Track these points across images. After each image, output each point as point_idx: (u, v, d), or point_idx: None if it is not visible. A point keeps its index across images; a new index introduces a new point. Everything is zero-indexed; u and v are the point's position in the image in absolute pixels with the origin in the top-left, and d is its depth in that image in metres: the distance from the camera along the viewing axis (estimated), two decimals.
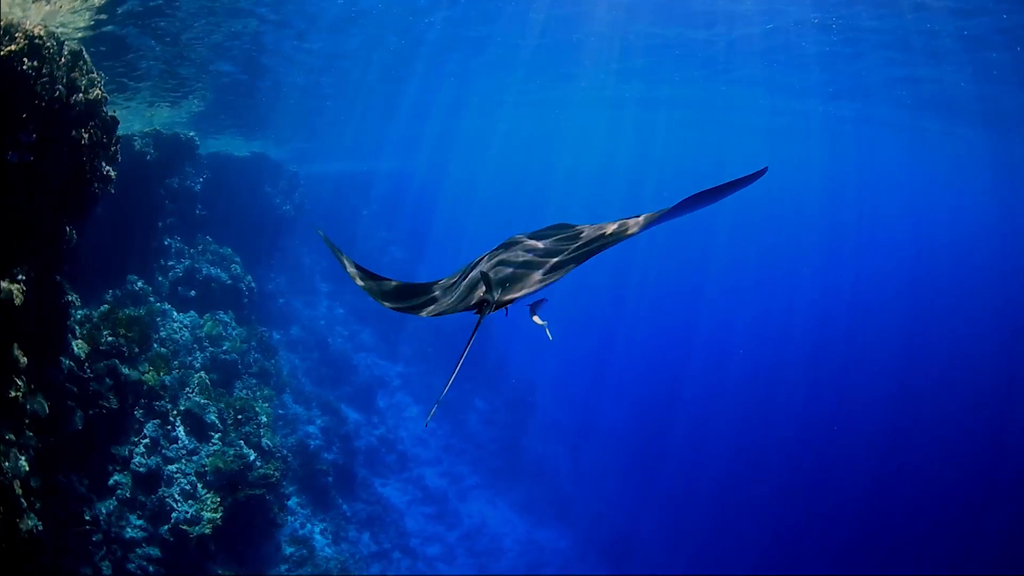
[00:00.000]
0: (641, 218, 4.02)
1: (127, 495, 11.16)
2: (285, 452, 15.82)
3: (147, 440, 11.79)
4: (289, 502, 17.84)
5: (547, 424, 33.40)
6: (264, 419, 14.21)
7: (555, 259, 3.98)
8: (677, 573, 27.52)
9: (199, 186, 21.26)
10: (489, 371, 31.46)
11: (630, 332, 58.81)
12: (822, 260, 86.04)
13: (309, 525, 18.25)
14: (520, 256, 4.12)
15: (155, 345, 13.87)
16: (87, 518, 10.40)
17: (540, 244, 4.25)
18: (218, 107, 22.82)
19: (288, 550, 16.37)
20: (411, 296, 4.51)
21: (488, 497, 27.00)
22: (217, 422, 13.22)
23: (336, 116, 28.80)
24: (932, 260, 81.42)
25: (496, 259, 4.19)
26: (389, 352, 31.61)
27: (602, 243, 3.95)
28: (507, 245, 4.42)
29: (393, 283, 4.74)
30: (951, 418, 43.72)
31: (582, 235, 4.23)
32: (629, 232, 3.98)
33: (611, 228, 4.15)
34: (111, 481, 11.19)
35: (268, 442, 13.59)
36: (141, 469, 11.42)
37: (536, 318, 4.41)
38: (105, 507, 10.88)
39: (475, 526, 25.06)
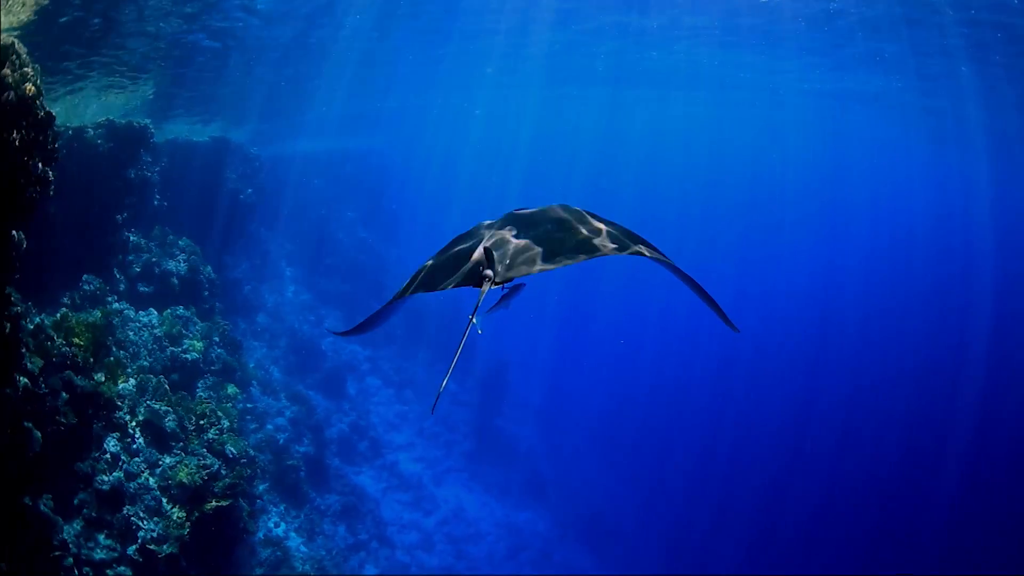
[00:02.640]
0: (645, 248, 3.97)
1: (93, 515, 10.69)
2: (253, 453, 15.29)
3: (108, 455, 11.29)
4: (261, 502, 17.45)
5: (520, 404, 33.28)
6: (227, 423, 13.68)
7: (562, 245, 3.86)
8: (654, 551, 27.67)
9: (156, 175, 20.44)
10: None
11: (602, 311, 58.74)
12: (804, 243, 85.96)
13: (283, 524, 17.89)
14: (524, 234, 3.98)
15: (113, 349, 13.28)
16: (56, 543, 9.93)
17: (545, 225, 4.09)
18: (173, 90, 22.01)
19: (263, 553, 16.02)
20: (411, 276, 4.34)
21: (464, 480, 26.83)
22: (178, 431, 12.70)
23: (300, 95, 28.00)
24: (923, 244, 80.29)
25: (498, 234, 4.04)
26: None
27: (607, 250, 3.84)
28: (510, 221, 4.23)
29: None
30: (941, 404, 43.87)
31: (588, 225, 4.09)
32: (629, 251, 3.88)
33: (611, 231, 4.04)
34: (76, 500, 10.70)
35: (232, 448, 13.09)
36: (104, 487, 10.93)
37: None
38: (72, 529, 10.42)
39: (452, 511, 24.90)
